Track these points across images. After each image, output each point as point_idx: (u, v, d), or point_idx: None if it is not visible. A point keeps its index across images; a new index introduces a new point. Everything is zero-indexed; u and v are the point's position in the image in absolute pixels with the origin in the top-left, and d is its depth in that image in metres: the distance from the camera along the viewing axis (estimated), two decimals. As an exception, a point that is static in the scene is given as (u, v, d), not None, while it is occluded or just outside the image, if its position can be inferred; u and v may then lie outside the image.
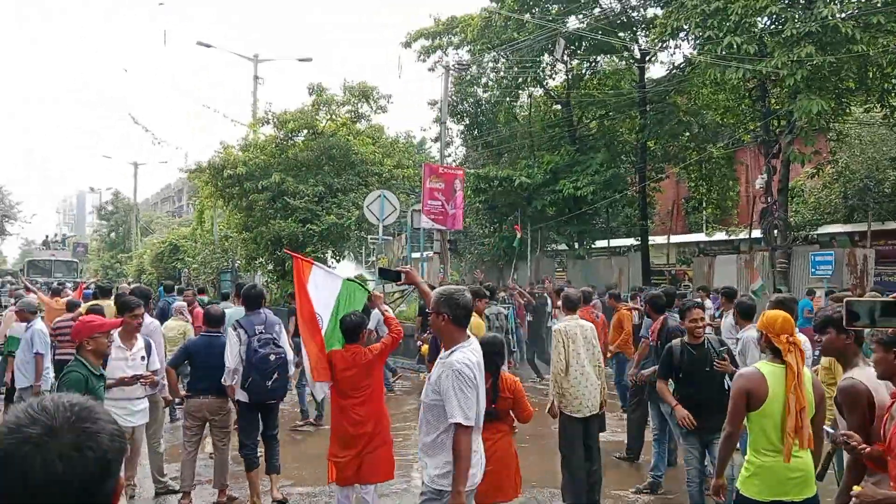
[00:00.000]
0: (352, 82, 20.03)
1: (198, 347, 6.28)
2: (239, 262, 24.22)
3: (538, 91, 25.33)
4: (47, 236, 54.84)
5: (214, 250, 26.23)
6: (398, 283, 5.47)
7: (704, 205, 25.81)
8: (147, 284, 29.00)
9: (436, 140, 27.97)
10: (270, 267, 20.97)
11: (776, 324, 3.61)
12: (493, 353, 4.49)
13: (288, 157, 19.57)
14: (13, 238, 65.03)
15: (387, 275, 5.34)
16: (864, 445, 2.86)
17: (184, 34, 64.62)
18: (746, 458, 3.67)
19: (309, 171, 19.49)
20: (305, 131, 20.04)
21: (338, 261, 20.26)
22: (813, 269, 13.79)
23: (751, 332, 5.60)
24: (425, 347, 6.05)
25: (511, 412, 4.68)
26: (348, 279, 5.56)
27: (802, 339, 4.17)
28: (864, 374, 3.34)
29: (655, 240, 23.09)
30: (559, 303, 6.96)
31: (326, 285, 5.21)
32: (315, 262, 5.55)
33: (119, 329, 5.47)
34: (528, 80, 23.38)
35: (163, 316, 10.46)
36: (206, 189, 21.08)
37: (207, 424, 6.22)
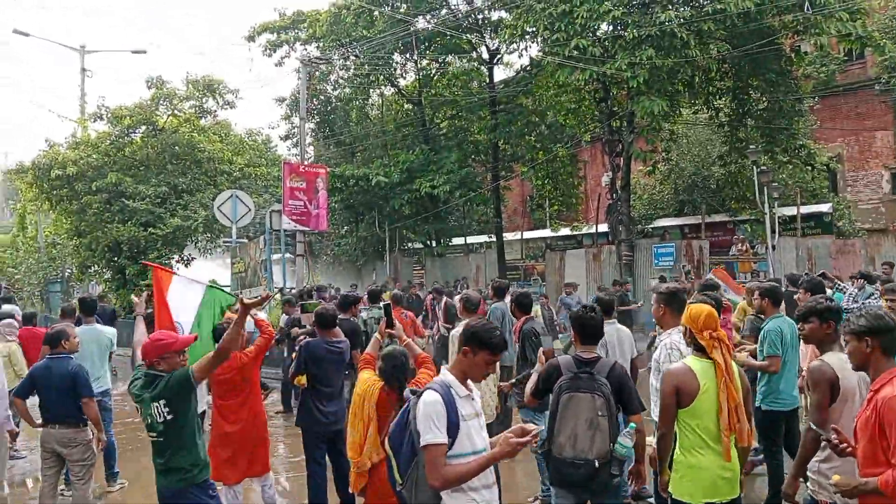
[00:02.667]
0: (195, 76, 18.96)
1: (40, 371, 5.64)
2: (70, 270, 22.16)
3: (390, 90, 25.29)
4: None
5: (40, 259, 23.82)
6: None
7: (550, 202, 26.98)
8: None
9: (284, 138, 27.18)
10: (108, 275, 19.35)
11: (699, 319, 3.47)
12: (395, 367, 4.18)
13: (125, 155, 18.19)
14: None
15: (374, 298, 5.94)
16: (847, 444, 2.88)
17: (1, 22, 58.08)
18: (674, 458, 3.50)
19: (150, 171, 18.22)
20: (144, 127, 18.73)
21: (186, 265, 19.09)
22: (656, 261, 14.78)
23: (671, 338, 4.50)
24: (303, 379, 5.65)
25: None
26: (211, 285, 5.44)
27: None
28: (835, 358, 3.45)
29: (507, 237, 23.80)
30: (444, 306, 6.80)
31: (187, 294, 5.03)
32: (176, 273, 5.53)
33: None
34: (380, 78, 23.27)
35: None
36: (29, 192, 19.12)
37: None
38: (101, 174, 17.37)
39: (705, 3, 13.96)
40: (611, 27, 15.23)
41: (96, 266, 19.38)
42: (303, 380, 5.57)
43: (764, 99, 17.01)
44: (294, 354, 6.08)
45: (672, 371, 3.53)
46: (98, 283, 20.60)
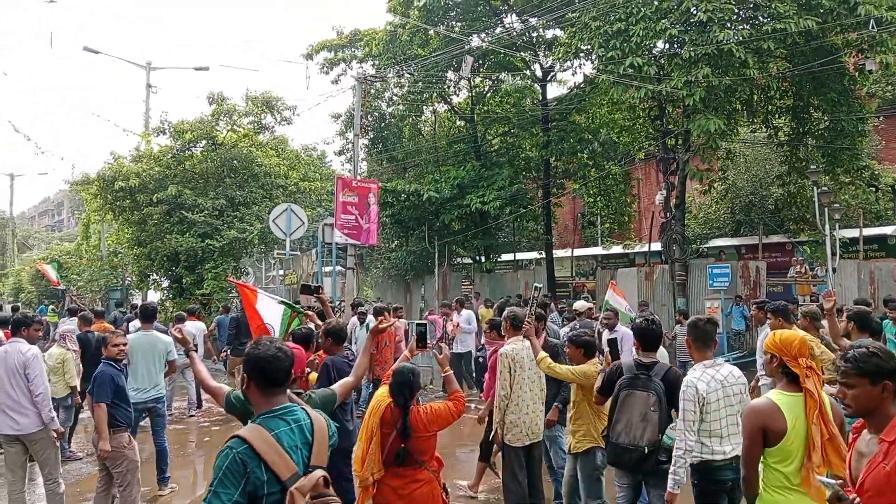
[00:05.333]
0: (255, 92, 19.45)
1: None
2: (130, 279, 22.88)
3: (443, 107, 25.51)
4: None
5: (102, 267, 24.67)
6: (317, 295, 6.11)
7: (602, 219, 26.72)
8: (26, 303, 26.96)
9: (339, 153, 27.64)
10: (166, 284, 19.91)
11: (792, 346, 3.22)
12: (400, 384, 4.14)
13: (185, 168, 18.73)
14: None
15: (307, 289, 6.17)
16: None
17: (71, 39, 60.91)
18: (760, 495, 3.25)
19: (209, 184, 18.71)
20: (204, 142, 19.25)
21: (238, 277, 19.52)
22: (711, 281, 14.44)
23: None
24: (314, 375, 5.73)
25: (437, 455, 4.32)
26: (282, 301, 6.01)
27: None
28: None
29: (557, 253, 23.64)
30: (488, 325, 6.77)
31: (271, 305, 5.79)
32: (259, 290, 6.12)
33: None
34: (433, 95, 23.50)
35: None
36: (93, 202, 19.82)
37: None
38: (162, 186, 17.91)
39: (765, 21, 13.67)
40: (667, 45, 15.09)
41: (155, 275, 19.96)
42: None
43: (826, 118, 16.53)
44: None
45: (757, 409, 3.22)
46: (156, 292, 21.21)
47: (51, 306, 25.05)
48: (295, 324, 5.75)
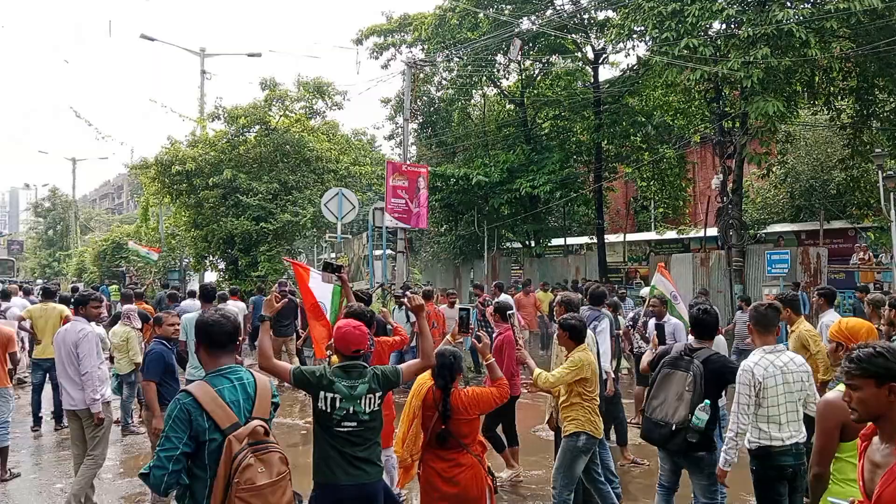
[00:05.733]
0: (306, 78, 19.66)
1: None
2: (188, 260, 23.53)
3: (492, 90, 25.37)
4: (-22, 234, 52.44)
5: (161, 248, 25.42)
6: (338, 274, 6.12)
7: (655, 204, 26.26)
8: (89, 283, 27.96)
9: (388, 138, 27.78)
10: (222, 266, 20.42)
11: (860, 334, 3.15)
12: (441, 367, 4.18)
13: (240, 153, 19.10)
14: (-60, 237, 62.15)
15: (329, 268, 6.15)
16: None
17: (128, 26, 62.57)
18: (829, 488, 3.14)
19: (262, 168, 19.06)
20: (258, 127, 19.58)
21: (293, 258, 19.87)
22: (769, 268, 14.07)
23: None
24: (335, 357, 5.82)
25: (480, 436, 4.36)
26: (333, 281, 6.11)
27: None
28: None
29: (608, 238, 23.37)
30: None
31: (322, 283, 5.94)
32: (311, 269, 6.24)
33: None
34: (483, 79, 23.38)
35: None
36: (151, 186, 20.38)
37: None
38: (218, 171, 18.31)
39: (827, 0, 13.17)
40: (723, 25, 14.67)
41: (211, 257, 20.47)
42: None
43: (892, 100, 15.88)
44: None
45: (834, 404, 3.04)
46: (213, 273, 21.76)
47: (112, 286, 25.96)
48: (344, 302, 5.94)
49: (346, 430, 3.75)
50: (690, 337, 4.97)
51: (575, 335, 5.14)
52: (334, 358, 6.15)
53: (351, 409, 3.75)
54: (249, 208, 18.12)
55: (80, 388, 5.88)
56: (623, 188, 27.24)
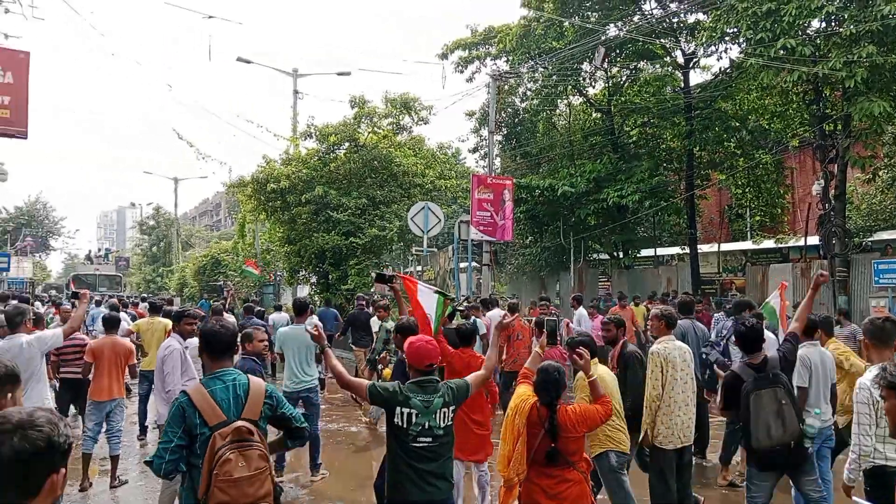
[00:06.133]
0: (393, 94, 20.02)
1: None
2: (281, 274, 24.32)
3: (578, 99, 25.10)
4: (90, 251, 56.04)
5: (257, 263, 26.40)
6: (390, 285, 6.27)
7: (751, 212, 25.23)
8: (189, 298, 29.31)
9: (473, 150, 27.90)
10: (314, 279, 21.00)
11: None
12: (546, 383, 4.10)
13: (330, 170, 19.62)
14: (56, 253, 66.75)
15: (382, 279, 6.33)
16: None
17: (224, 50, 65.65)
18: None
19: (351, 184, 19.51)
20: (347, 144, 20.08)
21: (380, 270, 20.22)
22: (876, 278, 13.24)
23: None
24: (388, 371, 5.85)
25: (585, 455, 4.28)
26: (438, 291, 6.24)
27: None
28: None
29: (701, 248, 22.57)
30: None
31: (429, 295, 6.10)
32: (419, 282, 6.42)
33: None
34: (568, 88, 23.16)
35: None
36: (248, 203, 21.22)
37: None
38: (310, 187, 18.88)
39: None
40: (823, 24, 13.99)
41: (304, 271, 21.10)
42: None
43: None
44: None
45: None
46: (305, 287, 22.41)
47: (211, 301, 27.12)
48: (449, 310, 6.12)
49: (421, 445, 3.78)
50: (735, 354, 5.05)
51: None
52: (386, 371, 6.30)
53: (427, 424, 3.77)
54: (339, 223, 18.58)
55: (165, 404, 6.08)
56: (716, 196, 26.31)
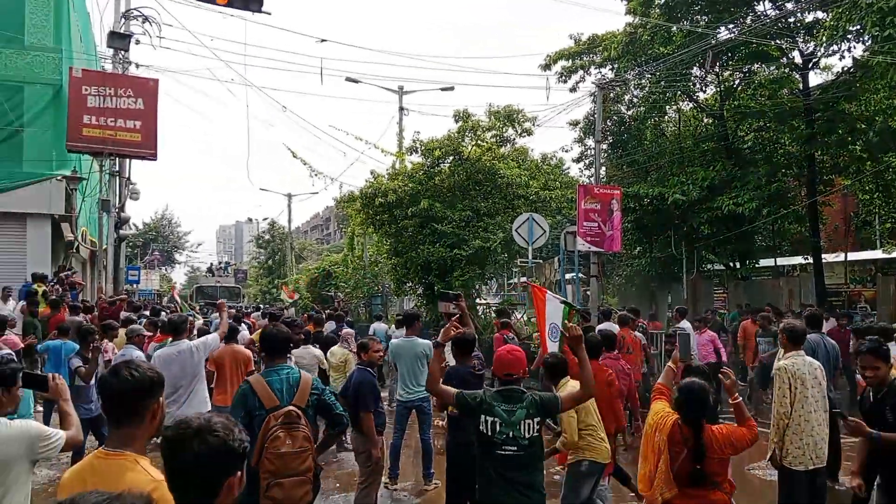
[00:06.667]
0: (497, 107, 20.10)
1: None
2: (389, 286, 24.85)
3: (687, 105, 24.33)
4: (212, 264, 59.26)
5: (365, 275, 27.10)
6: (454, 302, 6.22)
7: (881, 219, 23.56)
8: (302, 308, 30.46)
9: (576, 160, 27.57)
10: (420, 291, 21.33)
11: None
12: (690, 402, 3.93)
13: (435, 183, 19.89)
14: (180, 266, 71.17)
15: (446, 297, 6.84)
16: None
17: (333, 71, 68.23)
18: None
19: (456, 197, 19.70)
20: (451, 157, 20.31)
21: (485, 283, 20.28)
22: None
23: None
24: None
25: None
26: (564, 301, 6.39)
27: None
28: None
29: (826, 258, 21.25)
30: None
31: (556, 304, 6.29)
32: (548, 292, 6.59)
33: None
34: (677, 94, 22.49)
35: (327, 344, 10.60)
36: (357, 217, 21.84)
37: None
38: (416, 201, 19.21)
39: None
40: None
41: (410, 283, 21.46)
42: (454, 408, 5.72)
43: None
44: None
45: None
46: (411, 299, 22.80)
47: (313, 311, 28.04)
48: (575, 320, 6.16)
49: (507, 454, 3.83)
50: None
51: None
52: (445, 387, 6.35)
53: (511, 433, 3.82)
54: (444, 235, 18.79)
55: None
56: (841, 202, 24.73)
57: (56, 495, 2.52)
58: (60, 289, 13.80)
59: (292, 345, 8.66)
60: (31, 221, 15.72)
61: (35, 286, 12.49)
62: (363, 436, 6.00)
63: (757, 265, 23.16)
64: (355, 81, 26.75)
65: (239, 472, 1.99)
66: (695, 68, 21.42)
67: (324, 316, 15.15)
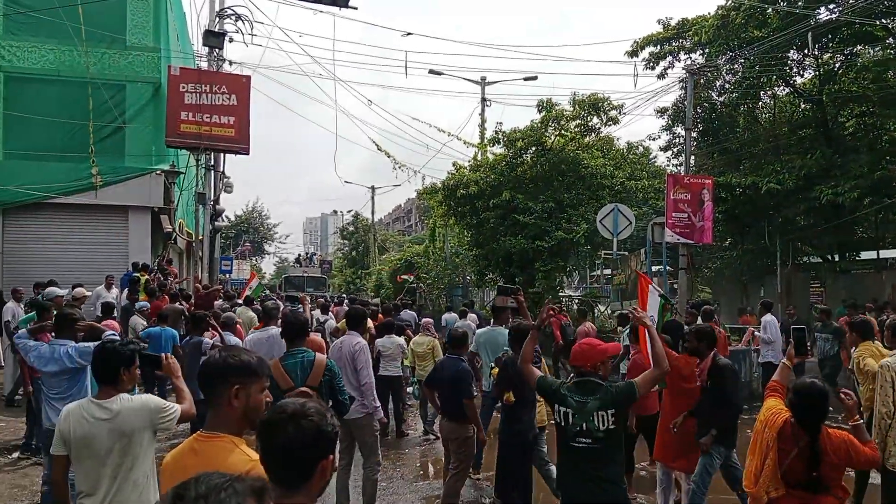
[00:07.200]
0: (581, 95, 19.77)
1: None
2: (469, 277, 24.96)
3: (783, 90, 23.23)
4: (300, 255, 61.05)
5: (446, 266, 27.30)
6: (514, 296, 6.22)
7: None
8: (385, 298, 31.01)
9: (664, 149, 26.79)
10: (501, 282, 21.32)
11: None
12: (804, 407, 3.71)
13: (517, 174, 19.80)
14: (269, 257, 73.62)
15: (504, 291, 6.52)
16: None
17: (417, 64, 68.93)
18: None
19: (538, 188, 19.55)
20: (534, 148, 20.15)
21: (567, 275, 20.06)
22: None
23: None
24: (496, 370, 6.17)
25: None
26: (662, 295, 6.39)
27: None
28: None
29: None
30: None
31: (654, 296, 6.32)
32: (651, 282, 6.63)
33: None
34: (772, 79, 21.49)
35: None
36: (439, 209, 22.01)
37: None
38: (497, 192, 19.18)
39: None
40: None
41: (491, 274, 21.47)
42: (511, 396, 5.83)
43: None
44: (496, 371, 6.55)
45: None
46: (493, 290, 22.81)
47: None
48: (668, 316, 6.29)
49: (581, 445, 3.80)
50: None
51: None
52: (494, 370, 6.46)
53: (584, 425, 3.78)
54: (526, 227, 18.69)
55: (360, 395, 6.24)
56: (954, 191, 23.09)
57: (160, 475, 2.66)
58: (161, 277, 14.52)
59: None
60: (132, 214, 16.56)
61: (137, 275, 13.18)
62: (454, 423, 6.16)
63: (857, 258, 21.95)
64: (438, 74, 26.89)
65: (331, 455, 2.04)
66: (792, 51, 20.42)
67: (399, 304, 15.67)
